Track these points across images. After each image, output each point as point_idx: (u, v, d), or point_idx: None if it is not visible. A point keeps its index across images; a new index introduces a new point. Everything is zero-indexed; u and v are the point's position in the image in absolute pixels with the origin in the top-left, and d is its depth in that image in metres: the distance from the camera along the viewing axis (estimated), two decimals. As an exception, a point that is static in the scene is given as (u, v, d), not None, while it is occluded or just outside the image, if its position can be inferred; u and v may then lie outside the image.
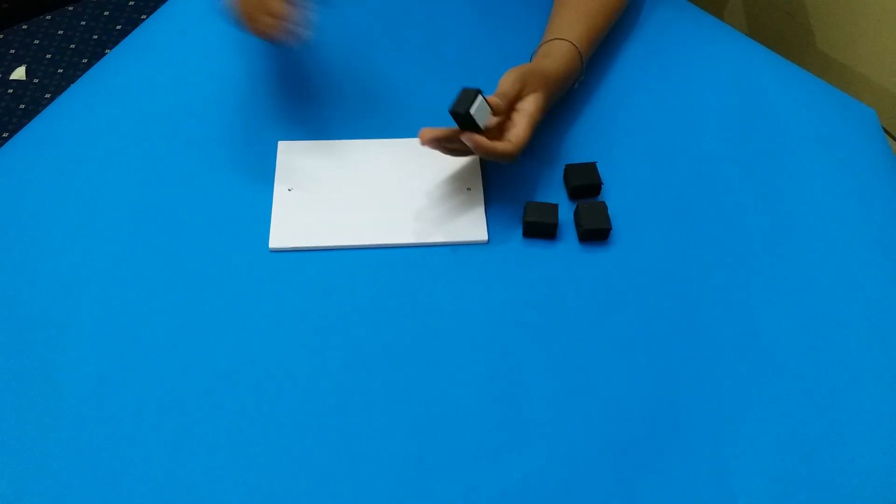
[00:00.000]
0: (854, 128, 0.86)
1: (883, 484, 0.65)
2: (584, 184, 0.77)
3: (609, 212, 0.77)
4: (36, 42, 1.69)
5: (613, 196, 0.79)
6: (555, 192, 0.79)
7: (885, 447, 0.66)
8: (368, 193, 0.79)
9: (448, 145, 0.75)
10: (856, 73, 1.10)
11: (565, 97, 0.85)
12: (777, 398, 0.68)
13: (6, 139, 1.52)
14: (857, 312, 0.73)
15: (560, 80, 0.80)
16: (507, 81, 0.75)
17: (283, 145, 0.81)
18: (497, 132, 0.75)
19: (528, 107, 0.75)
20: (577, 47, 0.81)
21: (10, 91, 1.61)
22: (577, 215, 0.76)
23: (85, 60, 1.67)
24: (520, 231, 0.77)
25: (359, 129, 0.83)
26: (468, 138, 0.71)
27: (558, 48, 0.81)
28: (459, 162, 0.80)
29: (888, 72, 1.06)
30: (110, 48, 1.68)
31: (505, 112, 0.75)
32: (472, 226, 0.76)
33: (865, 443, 0.66)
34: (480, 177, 0.80)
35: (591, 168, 0.78)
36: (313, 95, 0.85)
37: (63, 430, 0.65)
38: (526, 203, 0.76)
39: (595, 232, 0.75)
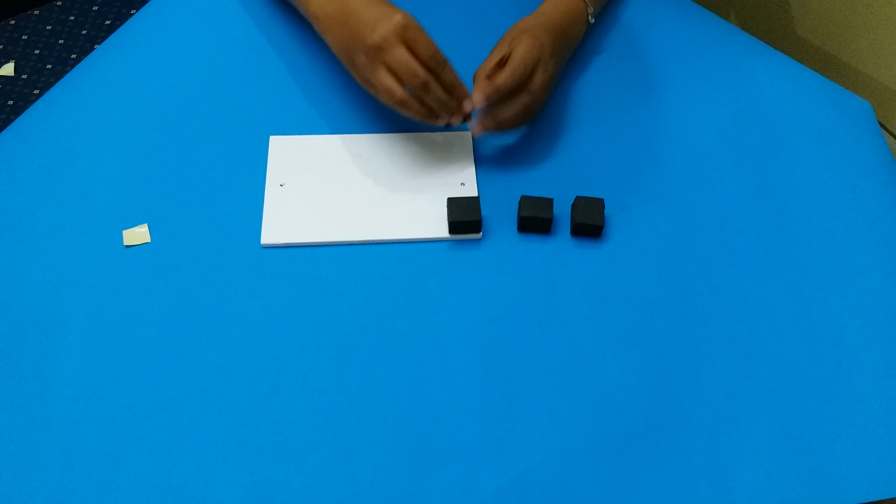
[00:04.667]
0: (849, 121, 0.86)
1: (879, 479, 0.65)
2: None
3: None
4: (24, 37, 1.68)
5: (606, 191, 0.79)
6: (549, 187, 0.79)
7: (881, 442, 0.66)
8: (361, 189, 0.78)
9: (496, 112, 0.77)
10: (850, 65, 1.10)
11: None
12: (772, 393, 0.68)
13: (-6, 135, 1.51)
14: (852, 306, 0.73)
15: (558, 26, 0.80)
16: (498, 44, 0.78)
17: (274, 140, 0.81)
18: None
19: (520, 40, 0.76)
20: None
21: (-1, 87, 1.60)
22: (572, 208, 0.76)
23: (74, 56, 1.66)
24: (514, 226, 0.76)
25: (351, 124, 0.82)
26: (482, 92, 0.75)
27: None
28: (454, 157, 0.80)
29: (883, 64, 1.06)
30: (99, 43, 1.67)
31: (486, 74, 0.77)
32: (466, 221, 0.76)
33: (861, 438, 0.67)
34: (474, 172, 0.79)
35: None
36: (305, 90, 0.85)
37: (54, 428, 0.64)
38: (521, 197, 0.75)
39: (586, 227, 0.75)
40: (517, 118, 0.77)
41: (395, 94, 0.71)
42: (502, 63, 0.76)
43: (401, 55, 0.71)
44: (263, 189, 0.77)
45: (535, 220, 0.74)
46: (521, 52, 0.75)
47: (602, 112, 0.85)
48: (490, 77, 0.75)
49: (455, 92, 0.75)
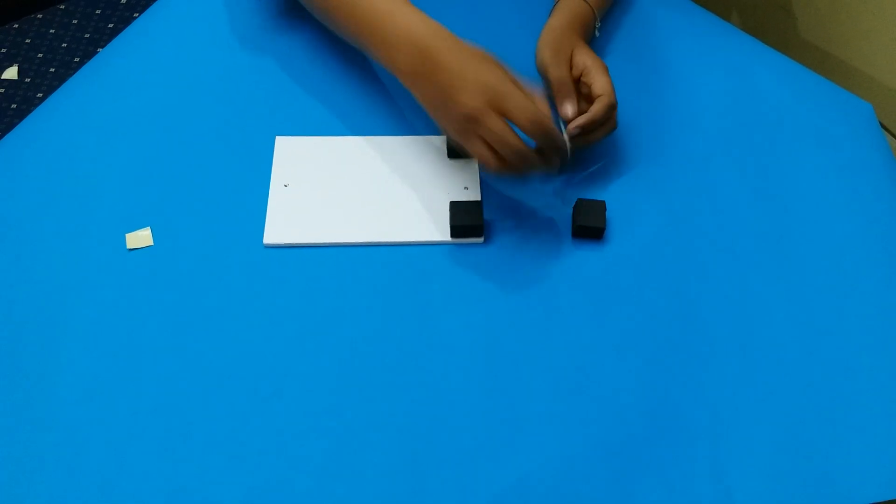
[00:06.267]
0: (850, 122, 0.86)
1: (879, 481, 0.65)
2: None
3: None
4: (27, 41, 1.68)
5: (608, 193, 0.79)
6: (551, 189, 0.79)
7: (881, 444, 0.66)
8: (365, 190, 0.78)
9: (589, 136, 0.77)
10: (851, 67, 1.11)
11: None
12: (774, 395, 0.68)
13: (-2, 139, 1.51)
14: (852, 307, 0.73)
15: (578, 29, 0.82)
16: (547, 59, 0.78)
17: (280, 141, 0.81)
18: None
19: (587, 60, 0.77)
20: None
21: (2, 90, 1.60)
22: (574, 211, 0.76)
23: (77, 59, 1.66)
24: (515, 230, 0.76)
25: (357, 125, 0.82)
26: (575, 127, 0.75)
27: (565, 4, 0.83)
28: (457, 160, 0.80)
29: (884, 66, 1.06)
30: (102, 47, 1.67)
31: (569, 85, 0.78)
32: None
33: (862, 440, 0.67)
34: (478, 175, 0.79)
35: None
36: (311, 91, 0.85)
37: (57, 430, 0.64)
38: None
39: (588, 230, 0.75)
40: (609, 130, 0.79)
41: (491, 164, 0.69)
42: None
43: (494, 125, 0.66)
44: (267, 191, 0.78)
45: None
46: (606, 82, 0.76)
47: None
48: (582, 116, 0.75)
49: (555, 145, 0.71)
